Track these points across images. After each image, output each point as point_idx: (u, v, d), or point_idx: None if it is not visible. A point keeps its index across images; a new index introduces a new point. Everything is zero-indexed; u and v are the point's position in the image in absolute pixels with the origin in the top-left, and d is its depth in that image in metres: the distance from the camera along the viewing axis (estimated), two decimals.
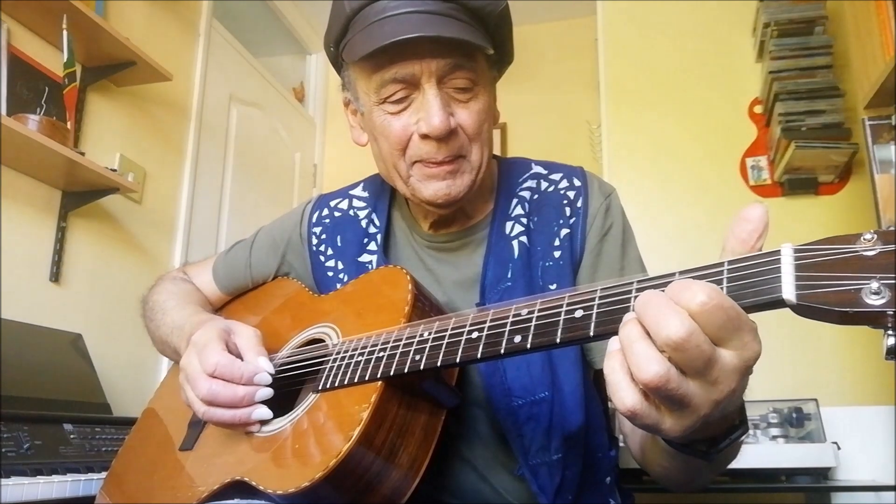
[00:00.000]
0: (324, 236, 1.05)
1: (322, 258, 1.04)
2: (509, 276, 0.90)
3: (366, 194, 1.07)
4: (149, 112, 2.48)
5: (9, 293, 1.84)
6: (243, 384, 0.79)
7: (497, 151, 1.02)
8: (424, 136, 0.84)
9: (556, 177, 0.98)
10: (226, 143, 3.00)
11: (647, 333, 0.47)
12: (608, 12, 2.78)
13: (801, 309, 0.46)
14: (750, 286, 0.47)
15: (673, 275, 0.52)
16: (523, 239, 0.93)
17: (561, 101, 3.42)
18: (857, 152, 2.18)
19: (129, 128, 2.38)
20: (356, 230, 1.03)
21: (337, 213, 1.06)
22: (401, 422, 0.73)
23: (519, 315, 0.62)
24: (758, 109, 2.50)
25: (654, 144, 2.58)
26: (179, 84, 2.57)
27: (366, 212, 1.04)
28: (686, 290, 0.46)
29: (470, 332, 0.66)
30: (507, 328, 0.62)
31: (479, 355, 0.63)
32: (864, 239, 0.45)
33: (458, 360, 0.65)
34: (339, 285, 0.99)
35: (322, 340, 0.87)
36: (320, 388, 0.78)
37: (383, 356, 0.73)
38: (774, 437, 1.95)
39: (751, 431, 1.96)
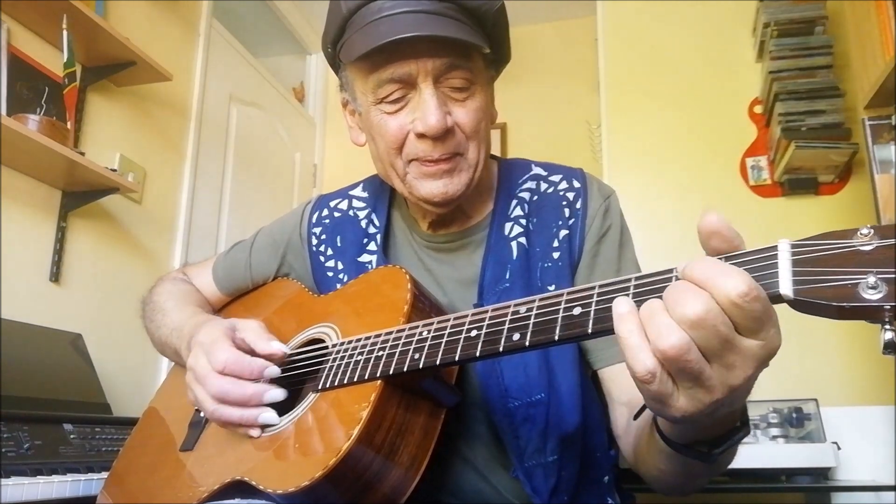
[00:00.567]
0: (323, 237, 1.05)
1: (322, 258, 1.04)
2: (507, 277, 0.90)
3: (365, 194, 1.07)
4: (149, 112, 2.48)
5: (9, 293, 1.84)
6: (253, 379, 0.79)
7: (497, 151, 1.02)
8: (421, 135, 0.85)
9: (555, 178, 0.98)
10: (226, 143, 3.00)
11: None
12: (608, 12, 2.78)
13: (799, 304, 0.46)
14: None
15: (671, 271, 0.52)
16: (522, 240, 0.93)
17: (561, 101, 3.42)
18: (857, 152, 2.18)
19: (129, 128, 2.38)
20: (356, 230, 1.03)
21: (337, 214, 1.06)
22: (400, 421, 0.73)
23: (517, 313, 0.62)
24: (758, 109, 2.50)
25: (654, 144, 2.58)
26: (179, 84, 2.58)
27: (365, 212, 1.04)
28: (728, 278, 0.46)
29: (469, 330, 0.66)
30: (506, 326, 0.62)
31: (477, 353, 0.63)
32: (861, 234, 0.45)
33: (456, 358, 0.65)
34: (338, 285, 0.99)
35: (322, 340, 0.87)
36: (320, 387, 0.79)
37: (382, 355, 0.73)
38: (774, 437, 1.95)
39: (751, 431, 1.96)
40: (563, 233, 0.92)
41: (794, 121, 2.23)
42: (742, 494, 2.11)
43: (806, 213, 2.37)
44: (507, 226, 0.95)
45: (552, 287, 0.90)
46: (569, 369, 0.86)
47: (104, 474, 1.01)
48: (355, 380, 0.74)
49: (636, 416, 0.67)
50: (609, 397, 0.90)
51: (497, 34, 0.89)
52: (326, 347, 0.84)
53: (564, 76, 3.45)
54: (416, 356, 0.69)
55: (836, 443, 1.83)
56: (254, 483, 0.74)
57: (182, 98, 2.68)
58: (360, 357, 0.76)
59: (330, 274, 1.02)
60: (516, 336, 0.60)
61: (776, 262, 0.47)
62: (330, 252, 1.03)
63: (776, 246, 0.47)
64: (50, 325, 1.85)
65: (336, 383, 0.77)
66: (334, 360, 0.80)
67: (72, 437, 1.41)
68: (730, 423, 0.55)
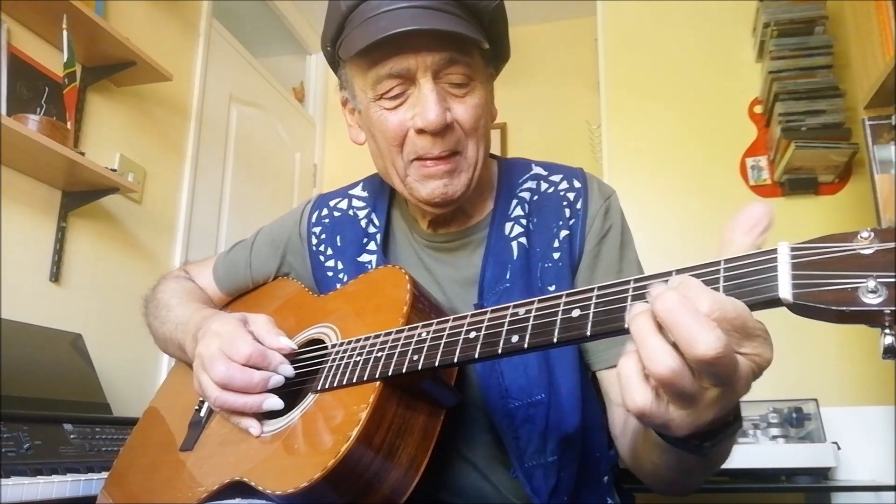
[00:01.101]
0: (323, 236, 1.05)
1: (322, 258, 1.04)
2: (508, 276, 0.90)
3: (365, 194, 1.07)
4: (149, 112, 2.48)
5: (9, 293, 1.84)
6: (271, 371, 0.80)
7: (497, 151, 1.02)
8: (420, 131, 0.84)
9: (556, 178, 0.98)
10: (226, 143, 3.00)
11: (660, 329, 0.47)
12: (608, 12, 2.78)
13: (798, 308, 0.45)
14: (746, 285, 0.47)
15: (670, 273, 0.52)
16: (522, 240, 0.93)
17: (561, 101, 3.42)
18: (857, 152, 2.18)
19: (129, 128, 2.38)
20: (356, 230, 1.03)
21: (336, 213, 1.06)
22: (399, 422, 0.73)
23: (516, 315, 0.62)
24: (758, 109, 2.50)
25: (654, 144, 2.58)
26: (179, 84, 2.58)
27: (365, 211, 1.04)
28: (697, 298, 0.46)
29: (468, 332, 0.66)
30: (505, 328, 0.62)
31: (476, 355, 0.63)
32: (861, 237, 0.44)
33: (455, 360, 0.65)
34: (338, 285, 0.99)
35: (322, 341, 0.87)
36: (319, 388, 0.79)
37: (382, 356, 0.73)
38: (774, 437, 1.95)
39: (751, 431, 1.96)
40: (564, 233, 0.92)
41: (794, 121, 2.23)
42: (742, 494, 2.11)
43: (806, 214, 2.37)
44: (508, 225, 0.95)
45: (552, 287, 0.89)
46: (569, 370, 0.86)
47: (104, 474, 1.01)
48: (354, 381, 0.74)
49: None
50: (607, 398, 0.90)
51: (495, 31, 0.89)
52: (326, 348, 0.84)
53: (564, 76, 3.45)
54: (415, 357, 0.69)
55: (836, 443, 1.82)
56: (253, 484, 0.74)
57: (182, 98, 2.68)
58: (359, 358, 0.76)
59: (330, 274, 1.02)
60: (515, 338, 0.60)
61: (775, 266, 0.46)
62: (330, 252, 1.03)
63: (775, 249, 0.47)
64: (50, 325, 1.85)
65: (335, 384, 0.77)
66: (333, 360, 0.80)
67: (72, 437, 1.41)
68: (722, 418, 0.55)
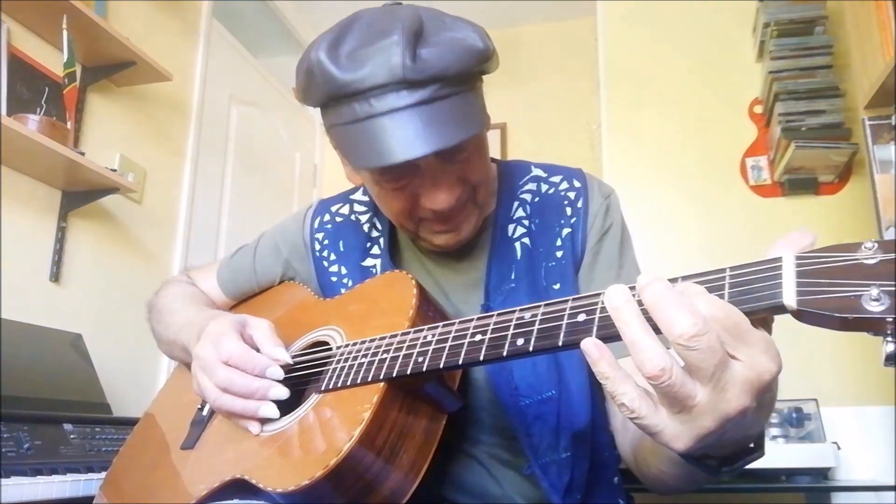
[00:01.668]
0: (326, 242, 1.05)
1: (325, 263, 1.04)
2: (513, 277, 0.91)
3: (366, 199, 1.07)
4: (149, 112, 2.48)
5: (9, 293, 1.84)
6: (255, 375, 0.79)
7: (497, 151, 1.03)
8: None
9: (556, 179, 0.99)
10: (226, 143, 3.00)
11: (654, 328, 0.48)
12: (608, 12, 2.78)
13: (802, 314, 0.46)
14: (751, 291, 0.48)
15: (675, 280, 0.52)
16: (526, 241, 0.93)
17: (561, 101, 3.42)
18: (857, 152, 2.18)
19: (129, 128, 2.38)
20: (358, 235, 1.03)
21: (338, 219, 1.06)
22: (402, 424, 0.73)
23: (522, 318, 0.62)
24: (758, 109, 2.50)
25: (654, 144, 2.58)
26: (179, 84, 2.57)
27: (367, 216, 1.04)
28: (692, 296, 0.47)
29: (473, 334, 0.66)
30: (511, 331, 0.62)
31: (481, 357, 0.64)
32: (865, 247, 0.45)
33: (460, 361, 0.65)
34: (343, 290, 0.99)
35: (326, 343, 0.88)
36: (323, 388, 0.79)
37: (386, 358, 0.73)
38: (774, 437, 1.95)
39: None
40: (566, 231, 0.93)
41: (794, 121, 2.23)
42: (742, 494, 2.11)
43: (806, 213, 2.37)
44: (511, 227, 0.95)
45: (557, 286, 0.90)
46: (577, 367, 0.87)
47: (104, 474, 1.01)
48: (358, 381, 0.74)
49: None
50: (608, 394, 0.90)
51: (485, 68, 0.85)
52: (331, 349, 0.84)
53: (564, 77, 3.45)
54: (420, 359, 0.69)
55: (836, 443, 1.83)
56: (254, 482, 0.74)
57: (182, 98, 2.68)
58: (363, 359, 0.76)
59: (334, 279, 1.02)
60: (520, 341, 0.60)
61: (780, 273, 0.47)
62: (333, 257, 1.03)
63: (780, 258, 0.48)
64: (50, 325, 1.85)
65: (339, 385, 0.77)
66: (338, 361, 0.80)
67: (72, 437, 1.41)
68: (743, 445, 0.55)
